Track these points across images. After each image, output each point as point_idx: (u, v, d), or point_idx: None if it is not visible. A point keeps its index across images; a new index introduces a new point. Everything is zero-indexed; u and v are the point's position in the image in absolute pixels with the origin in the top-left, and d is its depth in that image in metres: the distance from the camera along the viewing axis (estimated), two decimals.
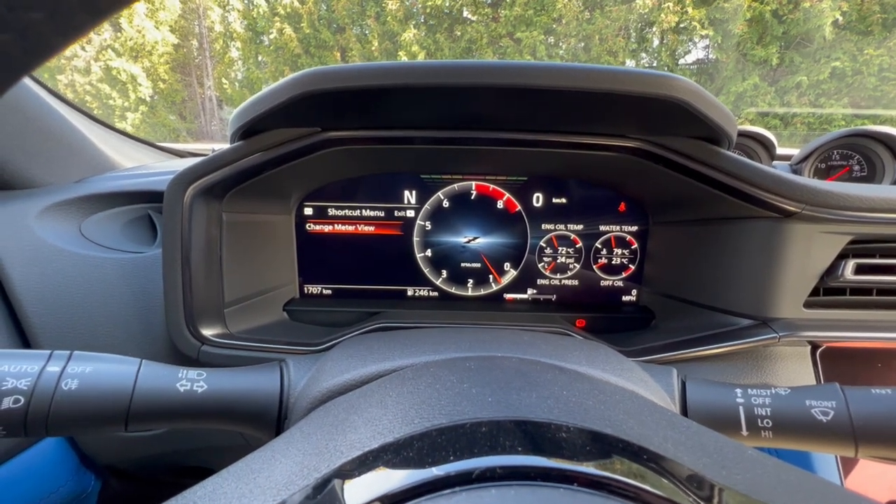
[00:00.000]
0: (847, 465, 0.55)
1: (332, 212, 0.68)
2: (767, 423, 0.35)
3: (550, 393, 0.26)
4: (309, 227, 0.69)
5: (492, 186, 0.67)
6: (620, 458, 0.19)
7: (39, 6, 0.14)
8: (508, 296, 0.72)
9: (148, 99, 10.14)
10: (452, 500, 0.17)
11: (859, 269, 0.52)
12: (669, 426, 0.26)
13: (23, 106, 0.60)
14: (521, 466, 0.18)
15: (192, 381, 0.37)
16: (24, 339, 0.53)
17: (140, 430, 0.35)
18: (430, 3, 9.21)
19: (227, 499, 0.23)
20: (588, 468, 0.18)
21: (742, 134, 0.92)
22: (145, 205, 0.66)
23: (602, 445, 0.20)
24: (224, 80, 11.17)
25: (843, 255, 0.53)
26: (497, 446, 0.19)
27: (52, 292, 0.54)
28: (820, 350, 0.55)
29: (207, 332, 0.55)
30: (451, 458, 0.19)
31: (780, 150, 1.01)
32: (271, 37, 10.36)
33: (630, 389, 0.34)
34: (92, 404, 0.33)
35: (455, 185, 0.67)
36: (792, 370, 0.55)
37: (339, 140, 0.55)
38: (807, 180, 0.51)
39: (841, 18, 7.11)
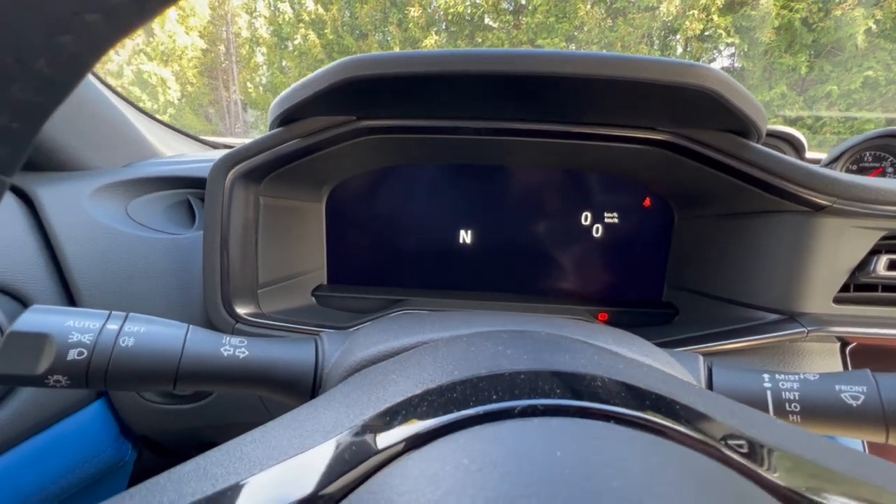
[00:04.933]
0: (874, 452, 0.54)
1: (361, 200, 0.70)
2: (795, 406, 0.35)
3: (582, 355, 0.27)
4: (339, 214, 0.71)
5: (520, 177, 0.69)
6: (653, 406, 0.20)
7: None
8: (532, 286, 0.73)
9: (176, 101, 10.50)
10: (499, 427, 0.18)
11: (892, 265, 0.52)
12: (698, 395, 0.27)
13: (80, 94, 0.64)
14: (562, 405, 0.19)
15: (234, 347, 0.39)
16: (73, 306, 0.57)
17: (187, 390, 0.37)
18: (451, 11, 9.31)
19: (277, 441, 0.25)
20: (626, 409, 0.19)
21: (771, 134, 0.91)
22: (185, 190, 0.69)
23: (636, 394, 0.21)
24: (249, 84, 11.49)
25: (875, 251, 0.52)
26: (537, 389, 0.20)
27: (100, 266, 0.57)
28: (850, 347, 0.54)
29: (242, 310, 0.57)
30: (494, 398, 0.20)
31: (809, 155, 1.00)
32: (296, 42, 10.61)
33: (657, 367, 0.35)
34: (146, 361, 0.35)
35: (483, 176, 0.69)
36: (820, 366, 0.54)
37: (373, 129, 0.57)
38: (836, 173, 0.51)
39: (874, 27, 6.90)
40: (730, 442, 0.20)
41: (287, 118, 0.55)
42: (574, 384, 0.21)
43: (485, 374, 0.23)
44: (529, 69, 0.44)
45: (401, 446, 0.19)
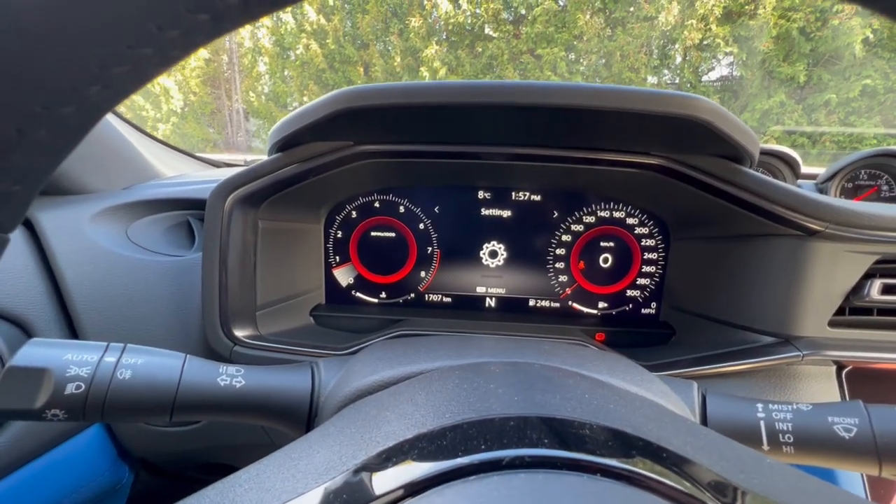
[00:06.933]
0: (873, 484, 0.54)
1: (358, 222, 0.71)
2: (789, 438, 0.36)
3: (573, 395, 0.27)
4: (337, 235, 0.72)
5: (515, 199, 0.69)
6: (641, 454, 0.21)
7: None
8: (528, 307, 0.73)
9: (179, 110, 10.57)
10: (485, 482, 0.18)
11: (886, 289, 0.52)
12: (689, 432, 0.27)
13: None
14: (548, 456, 0.19)
15: (231, 377, 0.39)
16: (73, 332, 0.57)
17: (183, 420, 0.37)
18: (452, 21, 9.40)
19: (270, 482, 0.25)
20: (611, 461, 0.19)
21: (766, 153, 0.92)
22: (185, 211, 0.70)
23: (623, 442, 0.22)
24: (251, 94, 11.57)
25: (869, 275, 0.52)
26: (525, 438, 0.21)
27: (100, 291, 0.58)
28: (846, 370, 0.54)
29: (240, 333, 0.58)
30: (483, 447, 0.20)
31: (807, 170, 1.00)
32: (298, 52, 10.70)
33: (650, 399, 0.35)
34: (143, 394, 0.35)
35: (479, 197, 0.69)
36: (816, 390, 0.54)
37: (369, 153, 0.58)
38: (829, 199, 0.51)
39: (872, 36, 6.95)
40: (716, 491, 0.20)
41: (285, 144, 0.56)
42: (562, 432, 0.22)
43: (475, 418, 0.23)
44: (518, 101, 0.44)
45: (389, 497, 0.20)
